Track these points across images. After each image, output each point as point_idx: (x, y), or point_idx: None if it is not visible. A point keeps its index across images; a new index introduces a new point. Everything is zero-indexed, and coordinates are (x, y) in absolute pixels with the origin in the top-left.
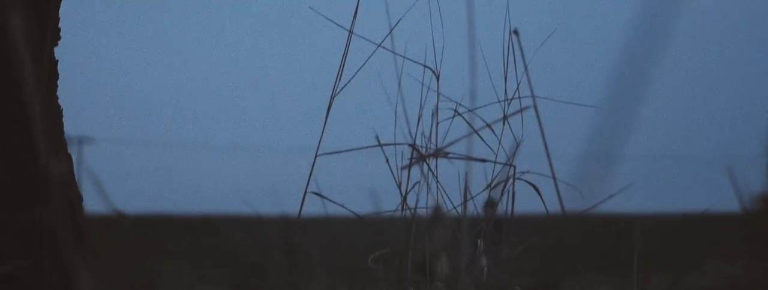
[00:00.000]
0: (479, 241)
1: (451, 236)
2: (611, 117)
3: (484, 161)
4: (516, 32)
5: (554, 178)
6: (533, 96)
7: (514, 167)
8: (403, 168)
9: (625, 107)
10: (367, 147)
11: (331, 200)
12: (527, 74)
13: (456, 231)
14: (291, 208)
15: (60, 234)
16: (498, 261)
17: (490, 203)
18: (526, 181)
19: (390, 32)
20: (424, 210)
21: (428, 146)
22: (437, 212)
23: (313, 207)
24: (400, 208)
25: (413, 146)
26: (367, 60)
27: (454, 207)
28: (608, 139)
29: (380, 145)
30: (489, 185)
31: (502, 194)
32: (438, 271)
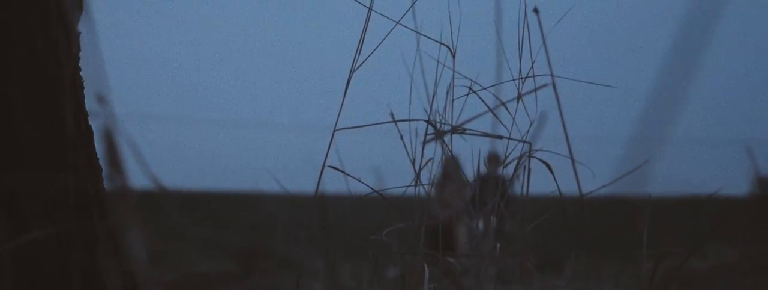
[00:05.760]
0: (492, 217)
1: (464, 198)
2: (660, 100)
3: (500, 137)
4: (536, 10)
5: (572, 157)
6: (552, 75)
7: (530, 143)
8: (422, 143)
9: (674, 89)
10: (384, 123)
11: (348, 175)
12: (547, 52)
13: (471, 195)
14: (305, 186)
15: (85, 203)
16: (510, 237)
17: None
18: (539, 159)
19: (409, 8)
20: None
21: (443, 122)
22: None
23: (328, 185)
24: (414, 184)
25: (429, 121)
26: (385, 37)
27: (469, 181)
28: (656, 122)
29: (395, 121)
30: (503, 162)
31: (515, 170)
32: (458, 240)
